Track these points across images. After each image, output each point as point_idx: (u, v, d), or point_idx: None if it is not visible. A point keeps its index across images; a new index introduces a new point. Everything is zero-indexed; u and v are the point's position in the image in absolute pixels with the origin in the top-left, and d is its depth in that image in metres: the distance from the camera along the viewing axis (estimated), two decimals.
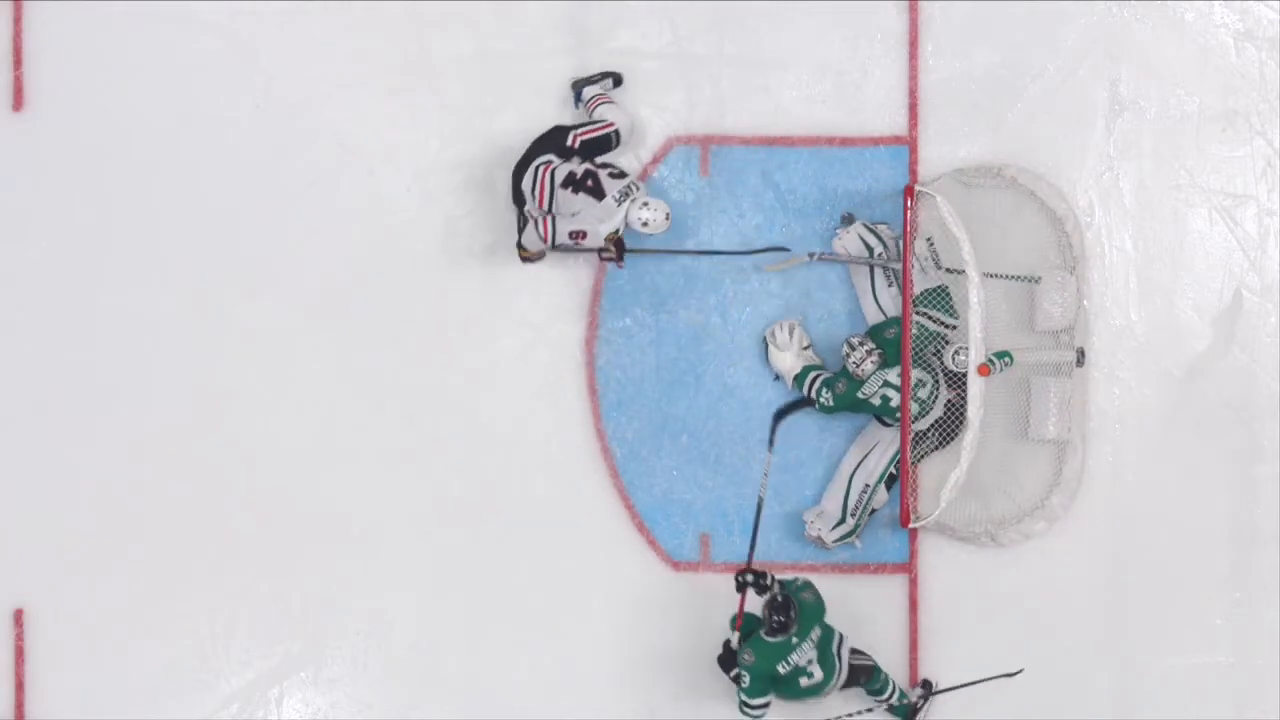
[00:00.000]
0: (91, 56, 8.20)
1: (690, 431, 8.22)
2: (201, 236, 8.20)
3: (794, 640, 7.59)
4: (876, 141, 8.16)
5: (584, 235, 7.84)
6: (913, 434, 7.93)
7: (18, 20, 8.19)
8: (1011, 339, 7.99)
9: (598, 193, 7.83)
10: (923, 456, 7.99)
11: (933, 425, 7.95)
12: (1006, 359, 7.78)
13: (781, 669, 7.60)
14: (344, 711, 8.26)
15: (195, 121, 8.20)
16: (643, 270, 8.21)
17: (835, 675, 7.70)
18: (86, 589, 8.18)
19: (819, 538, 8.10)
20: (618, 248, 7.86)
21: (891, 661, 8.08)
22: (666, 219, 7.85)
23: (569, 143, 7.92)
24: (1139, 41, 8.16)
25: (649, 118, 8.21)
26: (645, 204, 7.82)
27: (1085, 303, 8.10)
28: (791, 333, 8.07)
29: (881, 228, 8.05)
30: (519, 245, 8.00)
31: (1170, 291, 8.21)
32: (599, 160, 7.93)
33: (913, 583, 8.22)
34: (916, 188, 7.89)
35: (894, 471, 8.03)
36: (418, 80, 8.22)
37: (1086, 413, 8.11)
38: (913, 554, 8.22)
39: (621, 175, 7.88)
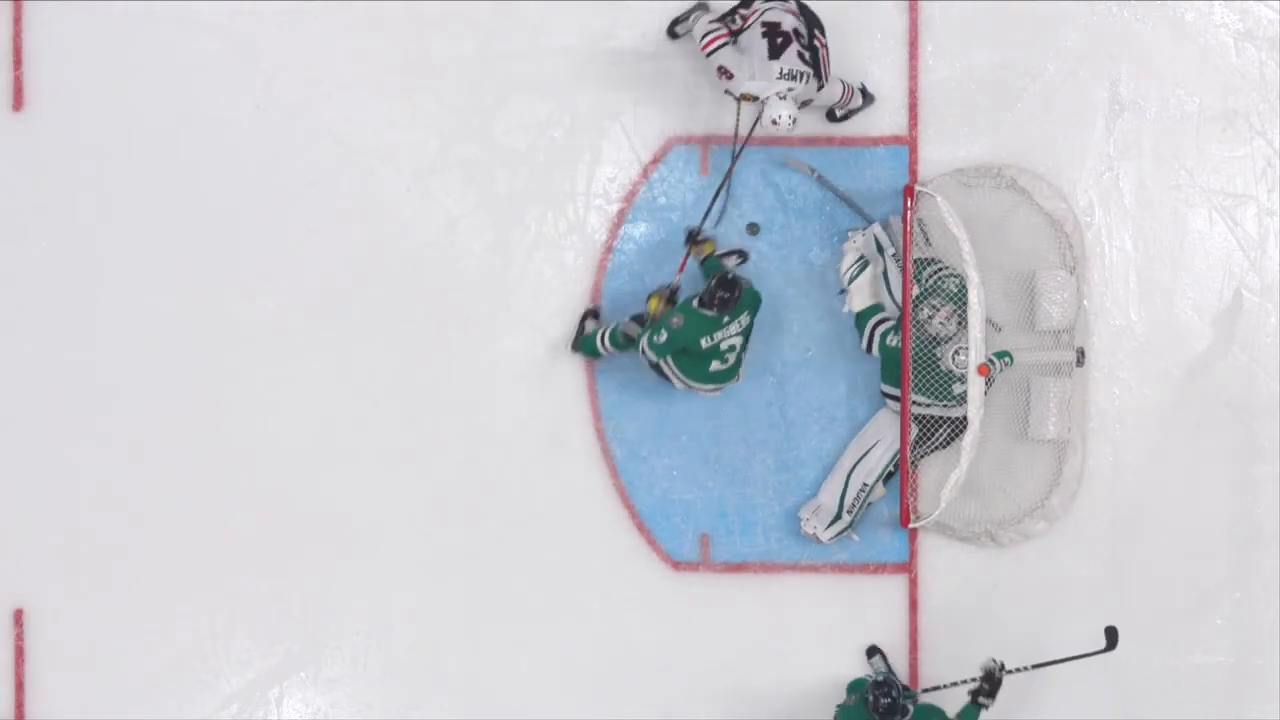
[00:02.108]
0: (91, 56, 8.20)
1: (690, 431, 8.22)
2: (201, 236, 8.20)
3: (724, 320, 7.69)
4: (876, 141, 8.16)
5: (731, 76, 7.56)
6: (931, 421, 7.90)
7: (18, 20, 8.19)
8: (1012, 339, 7.99)
9: (775, 52, 7.54)
10: (928, 453, 7.97)
11: (954, 418, 7.88)
12: (1006, 359, 7.78)
13: (704, 343, 7.69)
14: (344, 711, 8.26)
15: (195, 121, 8.20)
16: (643, 270, 8.21)
17: (736, 375, 7.85)
18: (86, 589, 8.18)
19: (814, 535, 8.10)
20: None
21: (891, 661, 8.08)
22: (788, 131, 7.57)
23: (815, 34, 7.64)
24: (1139, 41, 8.16)
25: (649, 117, 8.21)
26: (792, 117, 7.48)
27: (1085, 303, 8.09)
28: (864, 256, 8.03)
29: (894, 219, 8.00)
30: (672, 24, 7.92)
31: (1170, 291, 8.21)
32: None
33: (913, 583, 8.22)
34: (916, 188, 7.89)
35: (893, 470, 8.03)
36: (418, 80, 8.22)
37: (1086, 413, 8.11)
38: (913, 554, 8.22)
39: (803, 72, 7.52)
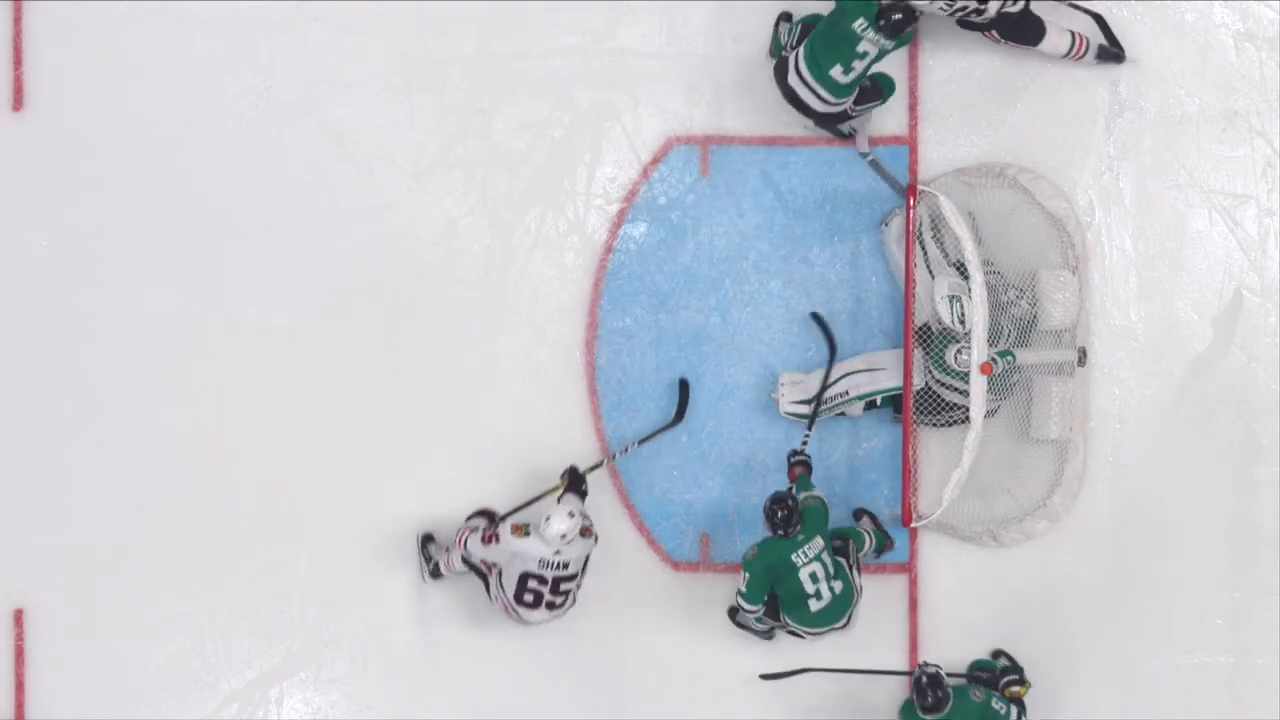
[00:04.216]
0: (91, 56, 8.19)
1: (690, 431, 8.21)
2: (201, 236, 8.19)
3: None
4: (876, 142, 8.16)
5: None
6: (946, 403, 7.91)
7: (18, 20, 8.19)
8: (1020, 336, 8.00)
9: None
10: (931, 425, 7.94)
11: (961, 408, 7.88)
12: (1009, 358, 7.77)
13: (855, 25, 7.51)
14: (344, 711, 8.26)
15: (195, 121, 8.20)
16: (643, 270, 8.22)
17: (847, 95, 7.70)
18: (86, 589, 8.16)
19: (777, 401, 8.07)
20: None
21: (891, 661, 8.09)
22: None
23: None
24: (1139, 41, 8.16)
25: (649, 117, 8.22)
26: None
27: (1085, 303, 8.09)
28: None
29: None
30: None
31: (1170, 291, 8.22)
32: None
33: (913, 583, 8.22)
34: (919, 187, 7.89)
35: (876, 401, 7.99)
36: (418, 80, 8.22)
37: (1087, 412, 8.11)
38: (913, 554, 8.22)
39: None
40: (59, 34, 8.18)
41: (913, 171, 8.16)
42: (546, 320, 8.23)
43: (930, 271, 7.92)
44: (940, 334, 7.83)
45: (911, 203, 7.82)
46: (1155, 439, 8.19)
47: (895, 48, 7.67)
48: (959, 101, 8.19)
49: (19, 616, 8.19)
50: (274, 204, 8.21)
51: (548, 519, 7.50)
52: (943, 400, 7.90)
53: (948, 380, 7.84)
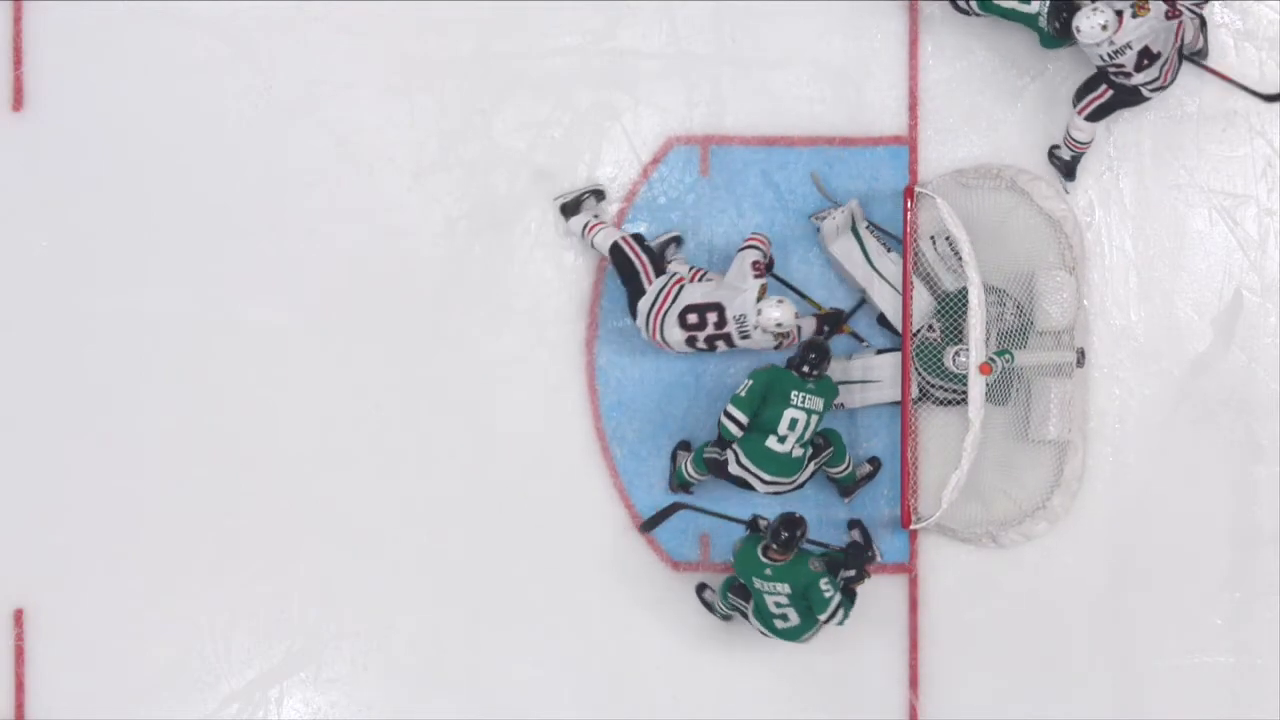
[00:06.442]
0: (91, 56, 8.20)
1: (690, 432, 8.21)
2: (201, 237, 8.20)
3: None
4: (876, 141, 8.16)
5: None
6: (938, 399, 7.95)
7: (18, 20, 8.19)
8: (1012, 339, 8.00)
9: None
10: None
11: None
12: (1007, 357, 7.78)
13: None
14: (344, 711, 8.26)
15: (195, 122, 8.20)
16: None
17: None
18: (86, 589, 8.17)
19: None
20: None
21: (891, 661, 8.08)
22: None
23: None
24: None
25: (649, 117, 8.22)
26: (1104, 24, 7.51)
27: (1085, 303, 8.09)
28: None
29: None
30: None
31: (1170, 291, 8.22)
32: None
33: (913, 583, 8.22)
34: (916, 188, 7.89)
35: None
36: (418, 80, 8.22)
37: (1087, 413, 8.11)
38: (913, 554, 8.22)
39: None
40: (59, 34, 8.19)
41: (912, 172, 8.15)
42: (546, 320, 8.23)
43: (871, 263, 7.95)
44: (923, 341, 7.85)
45: (909, 204, 7.83)
46: (1155, 439, 8.19)
47: (1044, 29, 7.73)
48: (959, 101, 8.19)
49: (19, 616, 8.20)
50: (274, 204, 8.21)
51: (780, 301, 7.66)
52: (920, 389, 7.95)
53: (944, 383, 7.85)
